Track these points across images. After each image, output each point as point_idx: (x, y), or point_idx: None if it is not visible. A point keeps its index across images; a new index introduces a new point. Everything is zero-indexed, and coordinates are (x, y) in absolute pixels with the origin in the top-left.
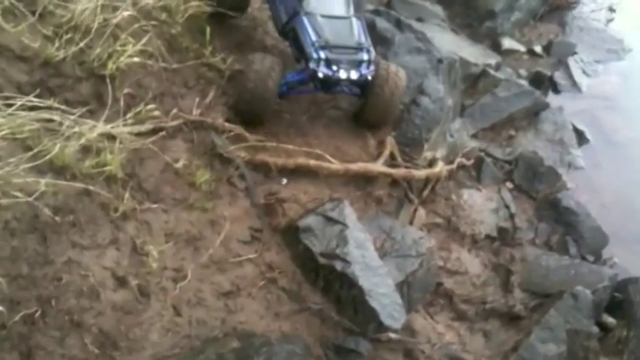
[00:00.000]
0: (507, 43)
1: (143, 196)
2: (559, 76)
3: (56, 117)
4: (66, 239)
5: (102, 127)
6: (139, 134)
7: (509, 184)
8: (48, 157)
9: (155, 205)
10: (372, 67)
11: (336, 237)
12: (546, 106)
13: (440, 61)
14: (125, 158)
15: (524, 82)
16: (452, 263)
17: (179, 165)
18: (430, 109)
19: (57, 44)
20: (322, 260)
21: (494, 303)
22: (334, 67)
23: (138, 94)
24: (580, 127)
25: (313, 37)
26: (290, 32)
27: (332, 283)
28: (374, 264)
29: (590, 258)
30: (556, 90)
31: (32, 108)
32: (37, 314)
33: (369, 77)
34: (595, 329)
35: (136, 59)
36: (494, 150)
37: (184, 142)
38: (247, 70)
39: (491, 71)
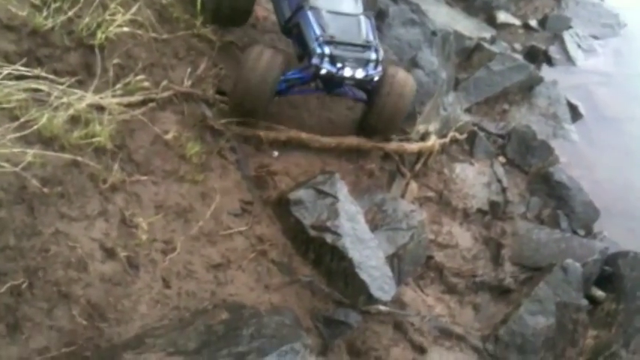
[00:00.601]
0: (502, 16)
1: (133, 167)
2: (554, 51)
3: (44, 87)
4: (54, 210)
5: (91, 98)
6: (128, 105)
7: (501, 159)
8: (36, 127)
9: (145, 177)
10: (379, 68)
11: (327, 210)
12: (540, 80)
13: (434, 33)
14: (114, 129)
15: (518, 56)
16: (443, 237)
17: (169, 137)
18: (424, 81)
19: (45, 13)
20: (313, 233)
21: (484, 276)
22: (339, 64)
23: (127, 65)
24: (574, 101)
25: (318, 32)
26: (294, 28)
27: (322, 256)
28: (365, 237)
29: (581, 232)
30: (550, 64)
31: (20, 77)
32: (25, 285)
33: (376, 78)
34: (584, 302)
35: (125, 29)
36: (487, 124)
37: (174, 114)
38: (243, 63)
39: (486, 45)
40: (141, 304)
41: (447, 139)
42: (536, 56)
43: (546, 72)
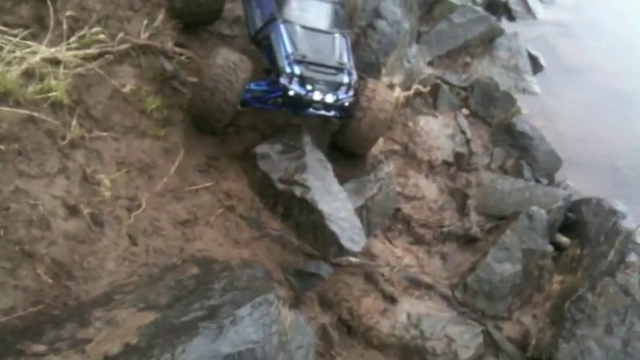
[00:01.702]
0: None
1: (91, 123)
2: (514, 3)
3: None
4: (12, 168)
5: (45, 51)
6: (84, 59)
7: (465, 111)
8: None
9: (105, 133)
10: (351, 92)
11: (294, 163)
12: (501, 32)
13: None
14: (71, 84)
15: (479, 9)
16: (409, 189)
17: (127, 90)
18: (387, 32)
19: None
20: (281, 186)
21: (451, 226)
22: (308, 87)
23: (81, 17)
24: (534, 53)
25: (289, 49)
26: (264, 40)
27: (291, 209)
28: (333, 189)
29: (544, 181)
30: (511, 17)
31: None
32: None
33: (347, 103)
34: (550, 248)
35: None
36: (450, 77)
37: (132, 68)
38: (207, 67)
39: None
40: (107, 261)
41: (410, 92)
42: (497, 8)
43: (507, 24)
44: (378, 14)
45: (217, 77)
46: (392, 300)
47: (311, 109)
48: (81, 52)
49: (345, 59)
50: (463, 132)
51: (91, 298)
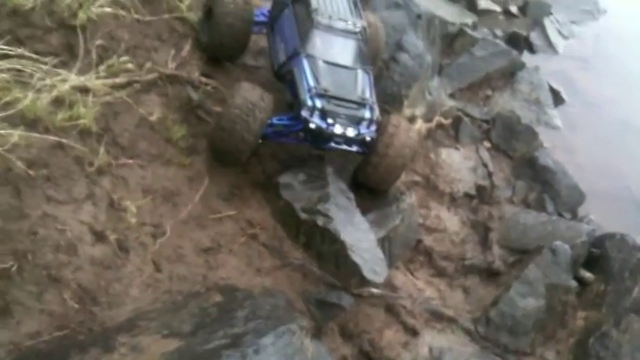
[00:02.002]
0: (483, 3)
1: (118, 151)
2: (535, 37)
3: (27, 68)
4: (40, 193)
5: (74, 79)
6: (112, 87)
7: (486, 143)
8: (19, 108)
9: (131, 161)
10: (372, 127)
11: (317, 193)
12: (522, 65)
13: (419, 16)
14: (99, 112)
15: (500, 42)
16: (431, 221)
17: (154, 119)
18: (409, 65)
19: None
20: (303, 216)
21: (473, 259)
22: (330, 120)
23: (110, 46)
24: (556, 86)
25: (311, 83)
26: (287, 74)
27: (313, 239)
28: (356, 219)
29: (567, 215)
30: (532, 50)
31: (1, 57)
32: (14, 269)
33: (368, 138)
34: (573, 283)
35: (107, 9)
36: (471, 109)
37: (159, 97)
38: (230, 101)
39: (469, 30)
40: (132, 287)
41: (432, 124)
42: (518, 42)
43: (528, 58)
44: (400, 47)
45: (235, 118)
46: (413, 332)
47: (332, 144)
48: (109, 81)
49: (367, 94)
50: (485, 165)
51: (116, 324)
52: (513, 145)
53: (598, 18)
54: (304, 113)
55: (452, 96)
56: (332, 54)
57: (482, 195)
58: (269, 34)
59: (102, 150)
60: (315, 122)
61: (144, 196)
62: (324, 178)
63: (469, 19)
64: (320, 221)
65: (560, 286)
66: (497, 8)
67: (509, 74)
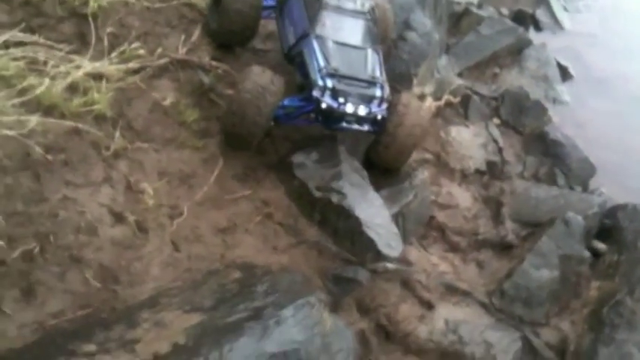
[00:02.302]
0: None
1: (133, 135)
2: (541, 14)
3: (41, 56)
4: (59, 177)
5: (88, 66)
6: (125, 73)
7: (496, 120)
8: (35, 94)
9: (146, 145)
10: (384, 106)
11: (330, 171)
12: (529, 43)
13: None
14: (113, 97)
15: (506, 20)
16: (443, 197)
17: (167, 103)
18: (417, 43)
19: None
20: (318, 194)
21: (486, 234)
22: (341, 99)
23: (121, 34)
24: (563, 63)
25: (322, 63)
26: (297, 56)
27: (328, 216)
28: (369, 196)
29: (578, 188)
30: (538, 27)
31: (16, 45)
32: (36, 250)
33: (379, 117)
34: (587, 254)
35: None
36: (480, 87)
37: (171, 82)
38: (240, 85)
39: (474, 9)
40: (152, 266)
41: (441, 102)
42: (524, 20)
43: (534, 35)
44: (408, 26)
45: (246, 103)
46: (429, 306)
47: (344, 123)
48: (122, 67)
49: (377, 73)
50: (495, 141)
51: (138, 302)
52: (523, 121)
53: None
54: (315, 93)
55: (460, 74)
56: (341, 34)
57: (493, 171)
58: (278, 17)
59: (117, 134)
60: (326, 102)
61: (160, 178)
62: (337, 157)
63: None
64: (334, 198)
65: (573, 257)
66: None
67: (516, 51)
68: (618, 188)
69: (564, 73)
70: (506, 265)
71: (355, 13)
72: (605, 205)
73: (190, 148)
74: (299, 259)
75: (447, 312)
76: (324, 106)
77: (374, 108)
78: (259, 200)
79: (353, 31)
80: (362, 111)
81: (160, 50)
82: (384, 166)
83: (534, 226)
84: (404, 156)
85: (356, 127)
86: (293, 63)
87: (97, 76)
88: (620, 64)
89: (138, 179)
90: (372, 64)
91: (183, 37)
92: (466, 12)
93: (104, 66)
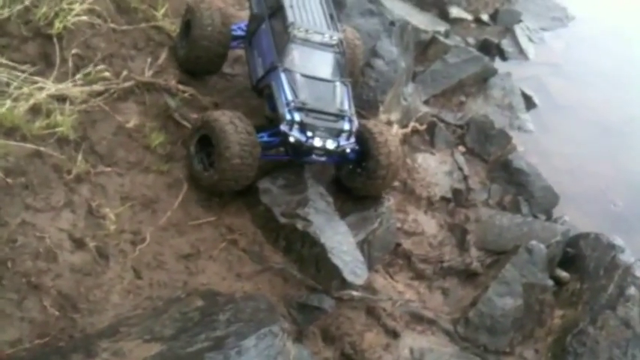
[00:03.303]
0: (455, 11)
1: (96, 158)
2: (506, 44)
3: (3, 77)
4: (19, 201)
5: (51, 88)
6: (89, 95)
7: (461, 148)
8: None
9: (109, 169)
10: (352, 139)
11: (296, 197)
12: (495, 72)
13: (392, 23)
14: (76, 120)
15: (472, 50)
16: (409, 224)
17: (132, 126)
18: (384, 71)
19: (1, 2)
20: (283, 220)
21: (451, 261)
22: (309, 133)
23: (86, 55)
24: (528, 92)
25: (289, 97)
26: (265, 88)
27: (293, 243)
28: (335, 222)
29: (542, 216)
30: (503, 57)
31: None
32: None
33: (348, 150)
34: (550, 282)
35: (83, 18)
36: (446, 115)
37: (136, 105)
38: (219, 141)
39: (441, 38)
40: (113, 294)
41: (408, 130)
42: (490, 49)
43: (500, 64)
44: (375, 53)
45: (233, 147)
46: (394, 335)
47: (313, 156)
48: (86, 89)
49: (345, 106)
50: (460, 169)
51: (97, 330)
52: (488, 149)
53: (567, 24)
54: (283, 127)
55: (426, 102)
56: (310, 67)
57: (458, 198)
58: (247, 48)
59: (80, 158)
60: (294, 136)
61: (122, 203)
62: (303, 183)
63: (441, 27)
64: (299, 225)
65: (537, 285)
66: (469, 17)
67: (482, 80)
68: (581, 216)
69: (529, 102)
70: (471, 293)
71: (324, 46)
72: (568, 233)
73: (155, 172)
74: (264, 287)
75: (412, 340)
76: (292, 140)
77: (342, 142)
78: (224, 226)
79: (321, 64)
80: (330, 145)
81: (125, 72)
82: (364, 194)
83: (499, 254)
84: (389, 181)
85: (324, 159)
86: (262, 95)
87: (61, 98)
88: (582, 93)
89: (100, 204)
90: (340, 97)
91: (149, 59)
92: (433, 40)
93: (68, 88)
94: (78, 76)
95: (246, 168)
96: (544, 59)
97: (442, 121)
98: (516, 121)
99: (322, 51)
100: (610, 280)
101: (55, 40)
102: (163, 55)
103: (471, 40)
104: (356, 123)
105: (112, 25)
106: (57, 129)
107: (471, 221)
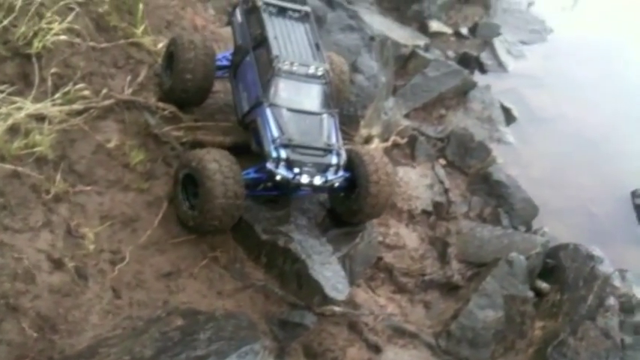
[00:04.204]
0: (435, 25)
1: (75, 178)
2: (485, 57)
3: None
4: None
5: (30, 107)
6: (68, 114)
7: (442, 161)
8: None
9: (88, 188)
10: (340, 173)
11: (277, 214)
12: (474, 85)
13: (372, 38)
14: (55, 139)
15: (452, 63)
16: (390, 238)
17: (111, 145)
18: (364, 86)
19: None
20: (264, 236)
21: (432, 275)
22: (296, 170)
23: (66, 74)
24: (507, 104)
25: (275, 133)
26: (251, 123)
27: (275, 259)
28: (316, 238)
29: (522, 228)
30: (483, 70)
31: None
32: None
33: (336, 184)
34: (530, 294)
35: (62, 37)
36: (426, 128)
37: (116, 123)
38: (204, 180)
39: (421, 52)
40: (92, 314)
41: (389, 143)
42: (469, 62)
43: (479, 77)
44: (355, 69)
45: (220, 186)
46: (376, 349)
47: (301, 192)
48: (65, 108)
49: (333, 140)
50: (441, 182)
51: (76, 352)
52: (468, 161)
53: (546, 37)
54: (269, 165)
55: (407, 116)
56: (295, 101)
57: (439, 211)
58: (232, 80)
59: (58, 177)
60: (280, 173)
61: (102, 222)
62: (284, 199)
63: (421, 41)
64: (281, 241)
65: (517, 297)
66: (448, 30)
67: (462, 93)
68: (561, 227)
69: (508, 115)
70: (452, 306)
71: (309, 78)
72: (548, 244)
73: (135, 190)
74: (245, 304)
75: (394, 355)
76: (278, 178)
77: (330, 176)
78: (205, 243)
79: (307, 97)
80: (317, 181)
81: (105, 91)
82: (358, 221)
83: (479, 267)
84: (380, 210)
85: (313, 193)
86: (248, 129)
87: (40, 118)
88: (561, 105)
89: (79, 223)
90: (327, 131)
91: (129, 77)
92: (413, 55)
93: (47, 107)
94: (57, 95)
95: (231, 207)
96: (523, 72)
97: (423, 134)
98: (496, 134)
99: (308, 83)
100: (589, 291)
101: (34, 59)
102: (143, 73)
103: (450, 54)
104: (344, 156)
105: (92, 44)
106: (35, 149)
107: (451, 234)
